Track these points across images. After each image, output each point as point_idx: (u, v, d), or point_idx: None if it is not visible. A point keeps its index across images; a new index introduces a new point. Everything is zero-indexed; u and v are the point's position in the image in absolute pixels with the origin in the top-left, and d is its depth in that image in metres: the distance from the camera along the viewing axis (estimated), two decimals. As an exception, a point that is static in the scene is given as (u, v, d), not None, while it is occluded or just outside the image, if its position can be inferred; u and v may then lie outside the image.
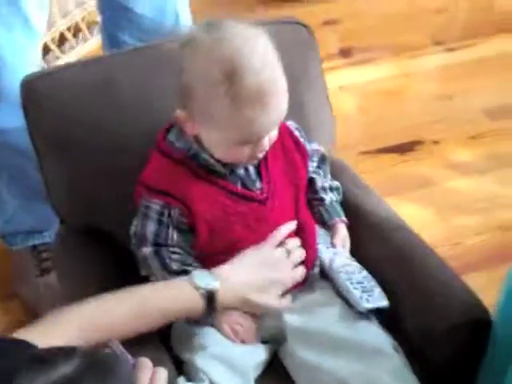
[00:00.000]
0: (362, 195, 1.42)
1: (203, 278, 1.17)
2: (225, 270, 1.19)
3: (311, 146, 1.35)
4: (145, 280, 1.22)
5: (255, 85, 1.09)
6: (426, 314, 1.25)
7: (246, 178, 1.23)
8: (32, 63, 1.60)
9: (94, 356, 0.89)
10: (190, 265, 1.20)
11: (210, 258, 1.22)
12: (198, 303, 1.16)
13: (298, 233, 1.27)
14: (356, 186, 1.44)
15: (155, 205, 1.20)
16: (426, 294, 1.26)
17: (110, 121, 1.31)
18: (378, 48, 2.70)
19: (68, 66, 1.39)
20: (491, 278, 1.68)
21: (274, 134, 1.19)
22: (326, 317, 1.24)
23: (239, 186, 1.22)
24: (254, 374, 1.20)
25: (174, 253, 1.21)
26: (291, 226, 1.26)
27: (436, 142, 2.31)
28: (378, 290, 1.26)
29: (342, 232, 1.34)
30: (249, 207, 1.22)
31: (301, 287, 1.27)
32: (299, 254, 1.26)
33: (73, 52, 2.60)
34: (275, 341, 1.26)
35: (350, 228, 1.35)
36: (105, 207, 1.29)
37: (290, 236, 1.26)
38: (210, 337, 1.20)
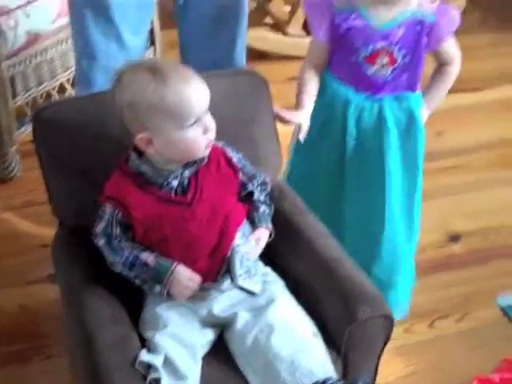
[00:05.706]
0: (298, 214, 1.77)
1: None
2: None
3: (256, 170, 1.69)
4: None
5: (174, 68, 1.50)
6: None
7: (179, 188, 1.57)
8: None
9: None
10: (138, 248, 1.56)
11: (148, 249, 1.57)
12: None
13: (224, 223, 1.58)
14: (295, 206, 1.80)
15: (107, 208, 1.57)
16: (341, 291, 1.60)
17: (101, 146, 1.66)
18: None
19: (71, 99, 1.74)
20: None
21: (211, 121, 1.52)
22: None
23: (172, 194, 1.56)
24: (202, 351, 1.55)
25: (121, 241, 1.57)
26: None
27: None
28: (258, 280, 1.58)
29: (261, 234, 1.66)
30: (176, 209, 1.56)
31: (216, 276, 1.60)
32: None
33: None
34: (221, 326, 1.61)
35: (280, 239, 1.69)
36: (92, 211, 1.62)
37: (215, 227, 1.58)
38: (169, 320, 1.55)
